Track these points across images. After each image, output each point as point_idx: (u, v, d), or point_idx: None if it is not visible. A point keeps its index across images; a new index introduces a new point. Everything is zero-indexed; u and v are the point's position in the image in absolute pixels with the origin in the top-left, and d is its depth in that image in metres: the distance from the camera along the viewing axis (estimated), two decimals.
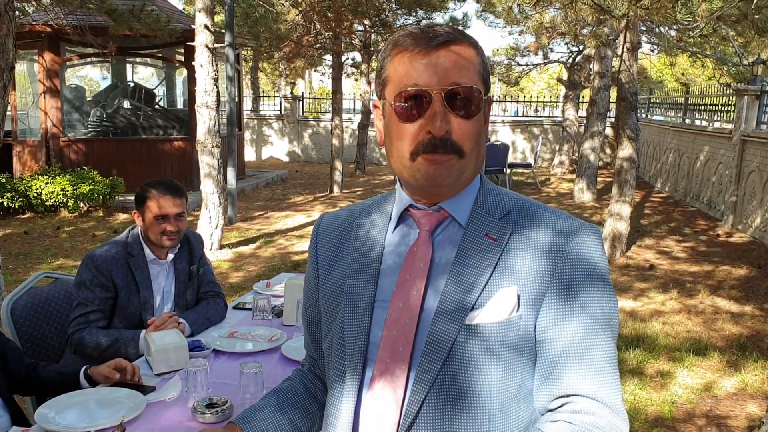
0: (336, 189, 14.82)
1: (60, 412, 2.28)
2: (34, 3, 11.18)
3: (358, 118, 20.43)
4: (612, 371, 1.34)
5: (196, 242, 3.41)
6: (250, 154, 22.15)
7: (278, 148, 23.08)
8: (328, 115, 23.16)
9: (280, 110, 23.53)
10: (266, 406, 1.59)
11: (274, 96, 29.50)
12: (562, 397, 1.34)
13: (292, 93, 28.22)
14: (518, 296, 1.33)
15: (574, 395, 1.33)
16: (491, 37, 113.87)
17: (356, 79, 25.51)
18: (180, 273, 3.29)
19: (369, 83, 19.01)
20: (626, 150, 8.78)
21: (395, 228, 1.48)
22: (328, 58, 20.63)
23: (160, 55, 14.46)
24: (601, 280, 1.36)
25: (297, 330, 3.09)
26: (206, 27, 8.31)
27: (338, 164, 14.81)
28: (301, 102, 23.60)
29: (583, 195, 13.97)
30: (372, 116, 1.53)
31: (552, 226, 1.39)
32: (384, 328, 1.39)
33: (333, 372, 1.47)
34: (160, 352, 2.63)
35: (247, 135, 22.00)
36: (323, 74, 28.82)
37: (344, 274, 1.50)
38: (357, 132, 19.13)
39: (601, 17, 7.54)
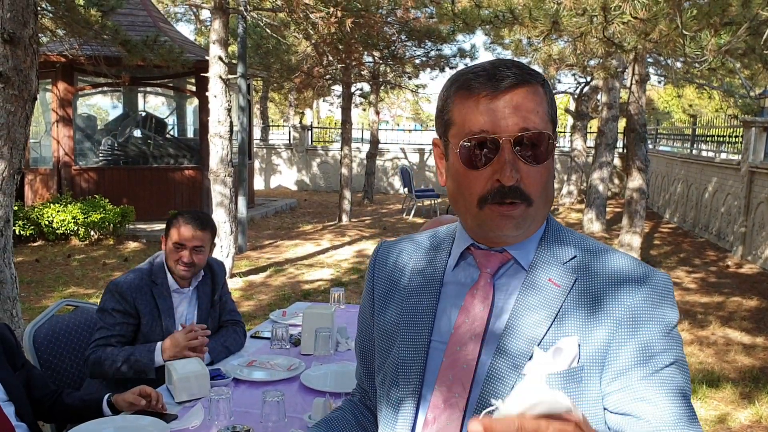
0: (345, 218, 14.87)
1: None
2: (49, 33, 11.35)
3: (366, 147, 20.55)
4: (691, 414, 1.24)
5: (219, 270, 3.45)
6: (259, 183, 22.27)
7: (287, 176, 23.21)
8: (336, 145, 23.30)
9: (289, 139, 23.72)
10: None
11: (283, 125, 29.71)
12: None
13: (300, 122, 28.42)
14: (579, 345, 1.27)
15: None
16: None
17: (364, 109, 25.68)
18: (202, 301, 3.32)
19: (377, 113, 19.15)
20: (636, 181, 8.83)
21: (455, 266, 1.44)
22: (337, 89, 20.80)
23: (171, 84, 14.63)
24: (672, 331, 1.29)
25: (315, 359, 3.11)
26: (220, 58, 8.43)
27: (347, 193, 14.88)
28: (309, 131, 23.77)
29: (593, 225, 13.98)
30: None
31: (620, 274, 1.32)
32: (440, 371, 1.36)
33: (386, 408, 1.43)
34: (182, 380, 2.65)
35: (257, 164, 22.14)
36: (331, 104, 29.04)
37: (401, 309, 1.46)
38: (365, 161, 19.24)
39: (610, 50, 7.63)
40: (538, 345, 1.28)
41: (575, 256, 1.36)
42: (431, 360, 1.38)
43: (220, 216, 8.66)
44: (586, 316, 1.29)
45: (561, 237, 1.40)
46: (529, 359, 1.28)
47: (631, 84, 9.04)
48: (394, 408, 1.40)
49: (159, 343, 2.98)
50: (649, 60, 14.14)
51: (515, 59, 1.38)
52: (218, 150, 8.58)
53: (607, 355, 1.27)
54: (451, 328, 1.37)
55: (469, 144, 1.28)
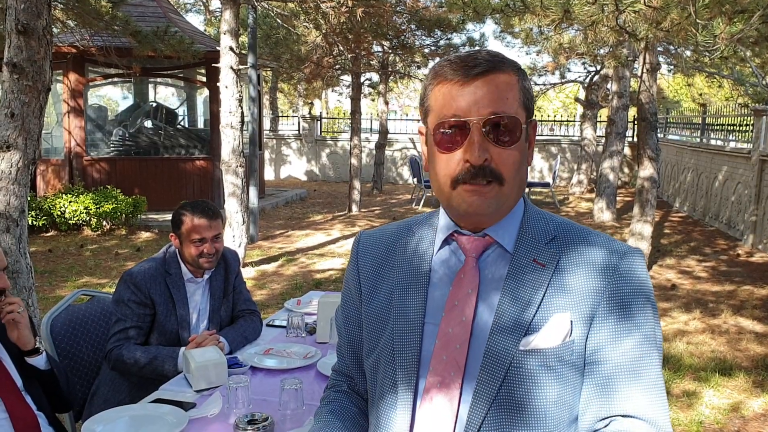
0: (354, 208, 14.89)
1: (106, 427, 2.34)
2: (60, 24, 11.39)
3: (375, 137, 20.52)
4: (661, 391, 1.36)
5: (233, 259, 3.47)
6: (269, 174, 22.31)
7: (296, 167, 23.23)
8: (345, 135, 23.29)
9: (299, 130, 23.71)
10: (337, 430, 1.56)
11: (292, 116, 29.70)
12: (608, 417, 1.36)
13: (310, 113, 28.38)
14: (571, 321, 1.35)
15: (621, 416, 1.35)
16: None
17: (373, 99, 25.63)
18: (215, 290, 3.35)
19: (386, 103, 19.12)
20: (647, 170, 8.80)
21: (439, 249, 1.50)
22: (346, 79, 20.77)
23: (181, 75, 14.65)
24: (650, 300, 1.38)
25: (330, 347, 3.13)
26: (231, 49, 8.44)
27: (357, 183, 14.89)
28: (318, 122, 23.77)
29: (603, 214, 13.95)
30: (418, 140, 1.56)
31: (600, 247, 1.41)
32: (434, 352, 1.41)
33: (383, 384, 1.47)
34: (200, 368, 2.67)
35: (266, 154, 22.17)
36: (340, 94, 28.98)
37: (392, 290, 1.51)
38: (374, 151, 19.24)
39: (622, 39, 7.60)
40: (530, 323, 1.35)
41: (555, 237, 1.44)
42: (425, 341, 1.44)
43: (232, 206, 8.70)
44: (573, 286, 1.37)
45: (539, 219, 1.47)
46: (526, 334, 1.35)
47: (642, 73, 9.00)
48: (394, 381, 1.45)
49: (182, 349, 3.00)
50: (659, 49, 14.06)
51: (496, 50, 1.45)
52: (230, 141, 8.60)
53: (594, 322, 1.36)
54: (442, 310, 1.43)
55: (442, 128, 1.36)
